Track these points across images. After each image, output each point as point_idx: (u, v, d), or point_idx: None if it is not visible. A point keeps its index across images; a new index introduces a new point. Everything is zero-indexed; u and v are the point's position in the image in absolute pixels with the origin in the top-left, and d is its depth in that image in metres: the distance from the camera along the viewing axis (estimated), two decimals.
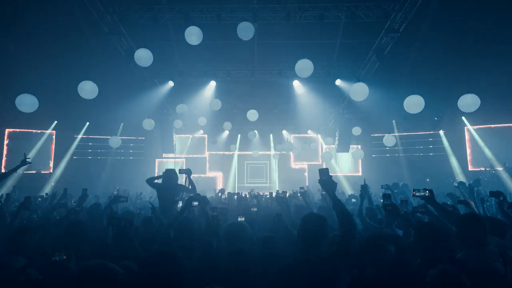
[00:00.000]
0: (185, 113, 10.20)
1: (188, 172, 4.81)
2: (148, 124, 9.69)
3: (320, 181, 2.36)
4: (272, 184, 15.91)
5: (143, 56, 6.22)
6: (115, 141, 10.22)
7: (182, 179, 4.98)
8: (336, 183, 2.35)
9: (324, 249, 2.14)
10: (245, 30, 5.82)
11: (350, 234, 2.08)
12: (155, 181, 5.12)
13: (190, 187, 4.85)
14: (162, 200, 4.81)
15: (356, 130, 11.47)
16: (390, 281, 2.08)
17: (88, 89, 6.09)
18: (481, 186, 6.98)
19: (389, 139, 9.83)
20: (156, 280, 1.70)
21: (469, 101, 5.87)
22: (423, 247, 2.24)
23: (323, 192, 5.34)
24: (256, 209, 4.50)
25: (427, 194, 2.93)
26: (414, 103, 6.19)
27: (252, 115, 9.76)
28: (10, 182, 11.85)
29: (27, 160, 4.26)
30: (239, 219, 3.27)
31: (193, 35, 5.75)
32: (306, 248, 2.14)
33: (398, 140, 14.28)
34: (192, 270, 2.29)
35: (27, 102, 5.70)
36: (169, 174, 4.96)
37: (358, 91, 6.10)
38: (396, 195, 5.96)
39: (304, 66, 5.92)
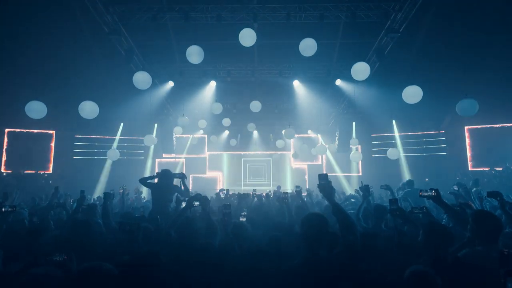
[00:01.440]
0: (186, 125, 10.30)
1: (181, 176, 4.83)
2: (150, 140, 9.92)
3: (318, 186, 2.42)
4: (272, 184, 15.91)
5: (141, 80, 6.29)
6: (113, 154, 10.22)
7: (177, 182, 5.01)
8: (334, 189, 2.42)
9: (326, 248, 2.14)
10: (247, 37, 5.85)
11: (352, 235, 2.09)
12: (149, 181, 5.14)
13: (187, 189, 4.88)
14: (156, 200, 4.82)
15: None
16: (388, 280, 2.09)
17: (87, 109, 6.13)
18: (479, 187, 6.97)
19: (393, 153, 9.74)
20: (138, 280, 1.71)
21: (467, 106, 5.87)
22: (432, 246, 2.26)
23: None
24: (245, 213, 4.49)
25: (433, 194, 2.94)
26: (412, 94, 6.17)
27: (255, 106, 9.70)
28: (11, 182, 11.85)
29: None
30: (240, 219, 3.29)
31: (194, 54, 5.81)
32: (309, 248, 2.15)
33: (398, 140, 14.30)
34: (194, 268, 2.31)
35: (36, 109, 5.76)
36: (165, 175, 4.97)
37: (359, 70, 6.03)
38: (408, 194, 6.03)
39: (308, 44, 5.87)
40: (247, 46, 6.07)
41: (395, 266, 2.21)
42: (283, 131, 15.76)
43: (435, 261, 2.10)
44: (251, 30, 5.91)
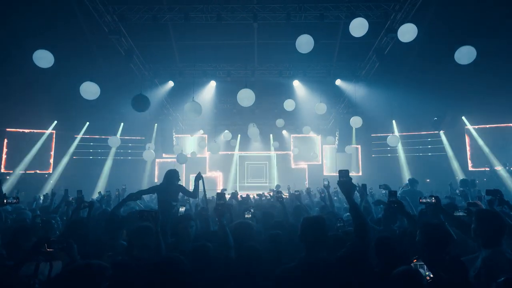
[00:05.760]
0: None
1: (197, 177, 4.66)
2: (149, 155, 10.47)
3: (338, 183, 2.26)
4: (271, 184, 15.92)
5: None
6: (114, 141, 10.22)
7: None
8: (355, 186, 2.26)
9: (326, 250, 2.13)
10: (245, 99, 6.37)
11: (363, 240, 2.06)
12: (144, 193, 4.97)
13: (196, 190, 4.78)
14: (161, 201, 4.76)
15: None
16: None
17: (89, 90, 6.14)
18: (475, 188, 6.96)
19: (393, 139, 9.73)
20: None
21: (465, 52, 5.80)
22: (429, 245, 2.25)
23: (323, 195, 5.35)
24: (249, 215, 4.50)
25: (433, 201, 2.84)
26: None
27: (253, 132, 9.83)
28: (11, 182, 11.87)
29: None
30: (246, 215, 3.33)
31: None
32: (307, 250, 2.15)
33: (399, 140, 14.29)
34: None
35: (43, 57, 5.58)
36: (170, 175, 4.91)
37: (357, 25, 5.98)
38: (407, 193, 6.06)
39: (304, 41, 5.88)
40: (245, 106, 6.62)
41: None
42: (283, 131, 15.82)
43: (432, 260, 2.10)
44: (249, 90, 6.33)
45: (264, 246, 2.90)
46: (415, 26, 5.65)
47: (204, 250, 2.52)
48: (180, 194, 5.01)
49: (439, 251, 2.21)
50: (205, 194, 4.56)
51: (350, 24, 5.74)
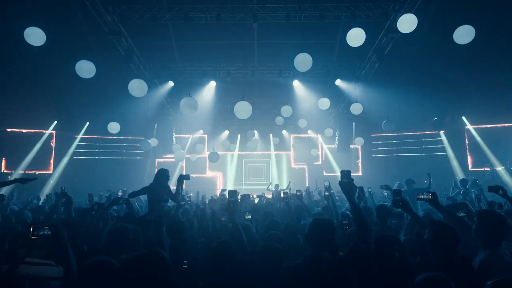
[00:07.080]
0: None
1: (180, 178, 4.67)
2: (145, 145, 10.45)
3: (340, 183, 2.26)
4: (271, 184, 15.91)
5: (137, 87, 6.52)
6: (114, 126, 10.14)
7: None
8: (356, 187, 2.27)
9: (330, 251, 2.13)
10: (242, 111, 6.49)
11: (366, 242, 2.05)
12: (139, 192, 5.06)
13: (177, 193, 4.71)
14: (150, 201, 4.79)
15: (356, 109, 9.16)
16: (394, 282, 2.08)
17: (84, 68, 6.12)
18: (477, 187, 6.96)
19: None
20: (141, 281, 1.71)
21: (463, 32, 5.80)
22: (437, 245, 2.24)
23: (324, 194, 5.35)
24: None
25: (430, 197, 2.82)
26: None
27: (252, 147, 9.87)
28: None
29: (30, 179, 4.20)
30: (246, 216, 3.36)
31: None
32: (312, 248, 2.16)
33: (397, 140, 14.29)
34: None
35: (35, 33, 5.51)
36: (160, 175, 4.89)
37: (353, 35, 6.01)
38: (406, 194, 6.04)
39: (303, 59, 5.92)
40: (242, 118, 6.66)
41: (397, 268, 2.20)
42: (283, 131, 15.82)
43: (442, 261, 2.08)
44: (246, 103, 6.41)
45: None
46: (415, 17, 5.64)
47: (226, 247, 2.56)
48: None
49: (447, 250, 2.19)
50: (180, 197, 4.61)
51: (347, 35, 5.80)
